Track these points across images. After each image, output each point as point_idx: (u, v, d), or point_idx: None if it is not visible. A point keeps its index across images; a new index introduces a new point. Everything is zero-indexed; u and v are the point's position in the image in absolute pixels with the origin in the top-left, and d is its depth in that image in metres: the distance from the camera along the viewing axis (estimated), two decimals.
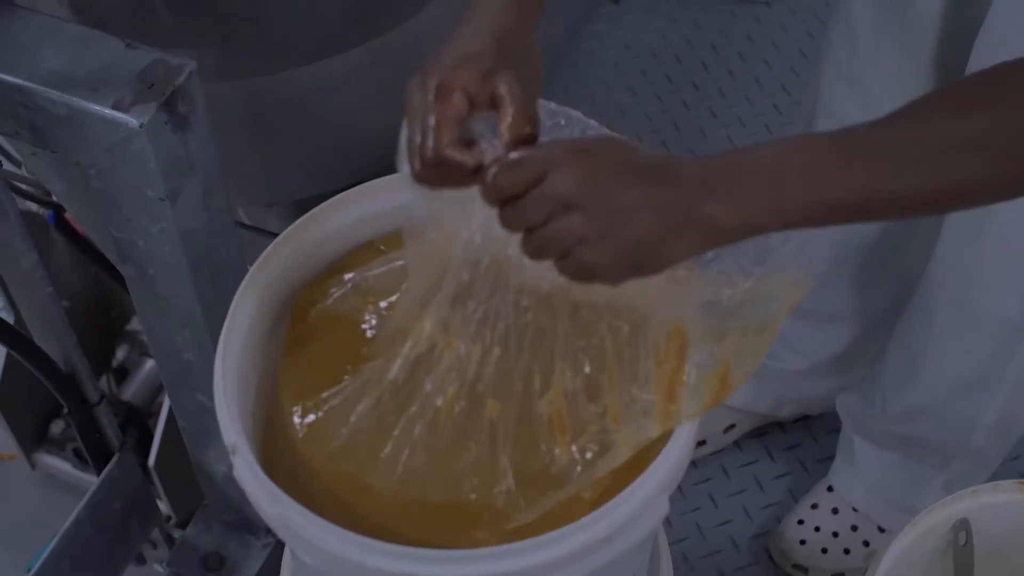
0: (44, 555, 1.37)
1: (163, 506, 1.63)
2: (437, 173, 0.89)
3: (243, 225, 1.59)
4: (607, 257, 0.84)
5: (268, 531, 1.48)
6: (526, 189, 0.84)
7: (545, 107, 0.93)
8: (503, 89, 0.88)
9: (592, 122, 0.95)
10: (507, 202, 0.85)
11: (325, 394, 1.00)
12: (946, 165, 0.83)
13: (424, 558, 0.88)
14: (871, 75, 1.41)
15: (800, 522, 1.71)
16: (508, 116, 0.88)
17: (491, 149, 0.87)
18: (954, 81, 1.27)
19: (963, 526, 1.21)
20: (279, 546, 1.43)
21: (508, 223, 0.86)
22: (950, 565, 1.22)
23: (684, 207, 0.83)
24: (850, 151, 0.84)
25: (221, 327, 1.03)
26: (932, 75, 1.36)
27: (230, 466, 0.97)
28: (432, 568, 0.88)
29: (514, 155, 0.86)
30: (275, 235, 1.06)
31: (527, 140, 0.88)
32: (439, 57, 0.90)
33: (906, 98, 1.36)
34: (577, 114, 0.95)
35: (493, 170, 0.85)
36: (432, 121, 0.88)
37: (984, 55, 1.24)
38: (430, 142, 0.88)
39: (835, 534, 1.70)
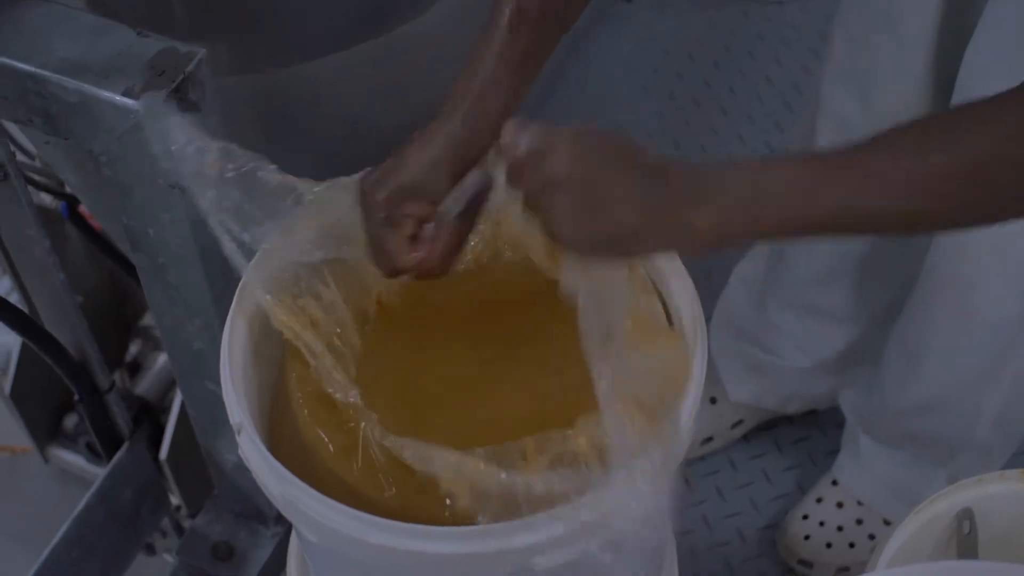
0: (55, 541, 1.38)
1: (174, 497, 1.64)
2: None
3: None
4: (582, 235, 0.89)
5: (277, 521, 1.48)
6: (528, 158, 0.89)
7: None
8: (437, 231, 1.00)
9: None
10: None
11: None
12: (910, 194, 0.86)
13: (427, 534, 0.89)
14: (869, 77, 1.42)
15: (804, 517, 1.71)
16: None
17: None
18: (948, 87, 1.30)
19: (967, 515, 1.20)
20: (288, 536, 1.44)
21: (510, 180, 0.92)
22: (954, 554, 1.21)
23: (665, 208, 0.88)
24: (826, 170, 0.87)
25: None
26: (928, 80, 1.36)
27: (239, 455, 0.98)
28: (435, 544, 0.88)
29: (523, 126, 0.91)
30: None
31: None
32: (393, 171, 1.00)
33: (902, 102, 1.39)
34: None
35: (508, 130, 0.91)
36: (389, 246, 1.00)
37: (973, 63, 1.25)
38: (392, 264, 1.01)
39: (840, 528, 1.69)
